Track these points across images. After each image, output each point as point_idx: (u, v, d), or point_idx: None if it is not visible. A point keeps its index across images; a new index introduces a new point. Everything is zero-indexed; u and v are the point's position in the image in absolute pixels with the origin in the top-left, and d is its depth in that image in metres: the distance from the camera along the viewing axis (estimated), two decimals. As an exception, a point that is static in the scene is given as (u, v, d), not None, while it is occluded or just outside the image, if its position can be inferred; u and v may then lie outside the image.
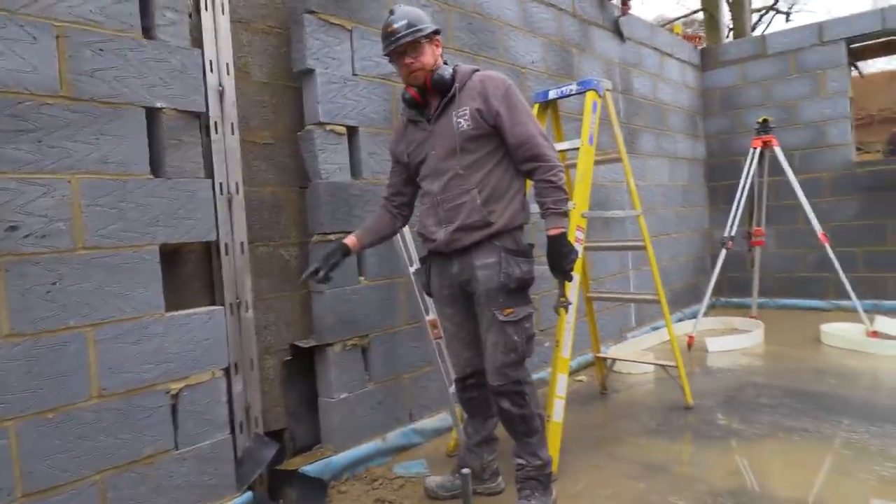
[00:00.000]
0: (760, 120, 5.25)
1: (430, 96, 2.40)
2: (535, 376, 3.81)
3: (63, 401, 1.99)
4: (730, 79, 6.70)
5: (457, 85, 2.35)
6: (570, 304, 2.41)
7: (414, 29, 2.29)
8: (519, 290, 2.32)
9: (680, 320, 5.88)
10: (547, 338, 3.90)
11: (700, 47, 7.01)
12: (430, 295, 2.57)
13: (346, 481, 2.80)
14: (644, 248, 3.36)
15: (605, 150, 4.29)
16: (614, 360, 3.94)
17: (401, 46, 2.31)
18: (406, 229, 2.90)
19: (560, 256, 2.28)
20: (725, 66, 6.72)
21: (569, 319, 2.81)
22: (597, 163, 3.37)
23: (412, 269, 2.87)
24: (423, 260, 2.57)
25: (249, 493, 2.47)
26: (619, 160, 3.30)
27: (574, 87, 3.22)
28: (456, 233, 2.32)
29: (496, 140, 2.34)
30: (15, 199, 1.90)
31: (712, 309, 6.65)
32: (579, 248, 2.92)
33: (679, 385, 3.55)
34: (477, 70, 2.42)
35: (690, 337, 4.89)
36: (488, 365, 2.36)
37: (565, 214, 2.32)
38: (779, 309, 6.36)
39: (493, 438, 2.60)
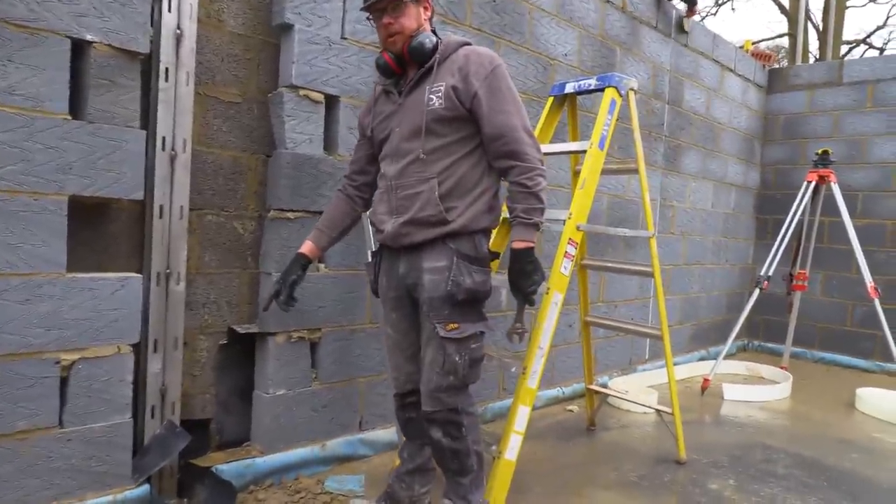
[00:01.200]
0: (820, 151, 4.70)
1: (408, 66, 2.07)
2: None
3: (-80, 356, 1.74)
4: (797, 105, 6.10)
5: (437, 56, 2.01)
6: (526, 332, 2.03)
7: None
8: (468, 303, 1.97)
9: (702, 359, 5.37)
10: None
11: (769, 67, 6.42)
12: (375, 294, 2.23)
13: (269, 487, 2.50)
14: (652, 274, 2.93)
15: (625, 160, 3.85)
16: (606, 394, 3.52)
17: (380, 2, 1.98)
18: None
19: (522, 275, 1.93)
20: (794, 90, 6.12)
21: (542, 345, 2.43)
22: (611, 172, 2.98)
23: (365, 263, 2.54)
24: (374, 254, 2.23)
25: (146, 487, 2.19)
26: (635, 171, 2.88)
27: (593, 82, 2.82)
28: (405, 226, 1.99)
29: (471, 127, 1.99)
30: None
31: (742, 352, 6.12)
32: (569, 263, 2.53)
33: (673, 434, 3.11)
34: (467, 44, 2.07)
35: (706, 380, 4.40)
36: (422, 386, 2.01)
37: (537, 227, 1.97)
38: (816, 363, 5.76)
39: (428, 469, 2.25)
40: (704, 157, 5.38)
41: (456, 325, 1.94)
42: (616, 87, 2.74)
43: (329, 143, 2.69)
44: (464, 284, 1.93)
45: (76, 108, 1.99)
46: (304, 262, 2.21)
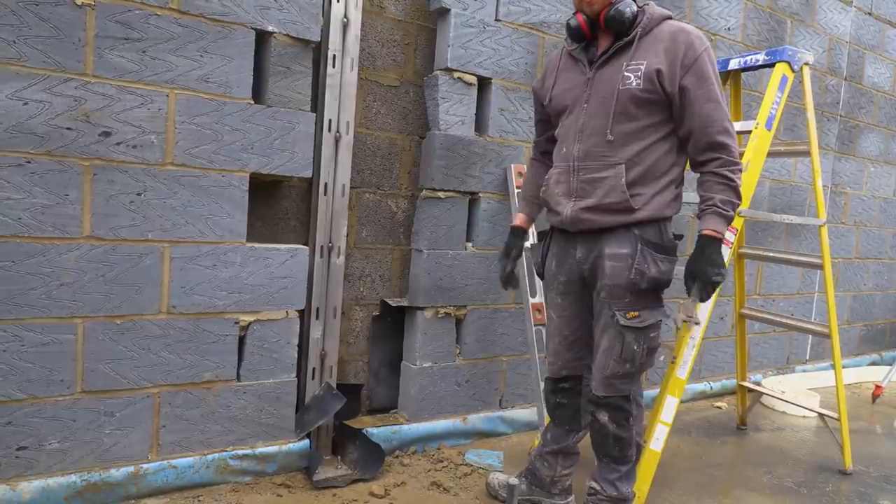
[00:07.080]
0: None
1: (599, 33, 1.94)
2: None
3: (132, 310, 2.02)
4: None
5: (639, 29, 1.86)
6: (699, 324, 1.94)
7: None
8: (650, 291, 1.90)
9: (873, 364, 4.86)
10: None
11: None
12: (540, 277, 2.20)
13: (413, 454, 2.64)
14: (821, 266, 2.70)
15: (792, 142, 3.54)
16: (761, 393, 3.30)
17: None
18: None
19: (710, 263, 1.83)
20: None
21: (694, 335, 2.33)
22: (777, 155, 2.77)
23: (528, 244, 2.54)
24: (541, 235, 2.20)
25: (306, 442, 2.40)
26: (804, 154, 2.65)
27: (761, 58, 2.62)
28: (587, 212, 1.91)
29: (666, 111, 1.87)
30: (111, 106, 1.92)
31: (924, 359, 5.44)
32: (727, 251, 2.40)
33: (838, 441, 2.86)
34: (670, 18, 1.91)
35: (878, 387, 3.98)
36: (596, 371, 1.98)
37: (729, 221, 1.86)
38: None
39: (572, 452, 2.24)
40: (888, 139, 4.81)
41: (637, 314, 1.88)
42: (788, 62, 2.53)
43: (480, 125, 2.74)
44: (648, 273, 1.86)
45: (257, 93, 2.19)
46: (521, 233, 2.25)
